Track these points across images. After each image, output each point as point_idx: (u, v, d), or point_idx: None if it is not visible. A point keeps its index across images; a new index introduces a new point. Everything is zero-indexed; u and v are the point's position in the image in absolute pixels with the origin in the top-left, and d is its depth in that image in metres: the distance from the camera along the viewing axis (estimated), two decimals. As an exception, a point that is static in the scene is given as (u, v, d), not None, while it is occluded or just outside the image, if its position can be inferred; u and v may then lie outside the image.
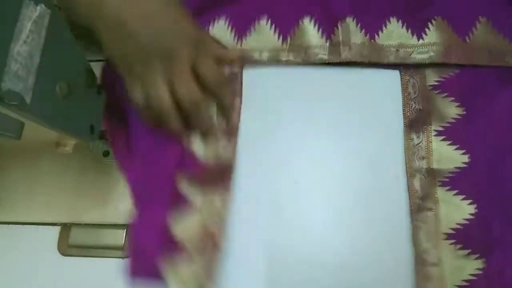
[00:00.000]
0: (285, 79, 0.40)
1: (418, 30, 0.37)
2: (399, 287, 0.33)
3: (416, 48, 0.36)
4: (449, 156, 0.34)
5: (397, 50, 0.37)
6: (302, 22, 0.39)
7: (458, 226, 0.32)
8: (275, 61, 0.38)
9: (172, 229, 0.33)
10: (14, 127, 0.25)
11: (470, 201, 0.33)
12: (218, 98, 0.37)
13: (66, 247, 0.38)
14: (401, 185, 0.35)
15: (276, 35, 0.39)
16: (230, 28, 0.39)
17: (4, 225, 0.39)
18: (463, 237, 0.32)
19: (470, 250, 0.32)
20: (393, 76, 0.38)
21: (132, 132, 0.38)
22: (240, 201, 0.36)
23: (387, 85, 0.38)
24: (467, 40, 0.36)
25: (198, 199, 0.34)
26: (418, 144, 0.35)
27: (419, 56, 0.36)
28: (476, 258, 0.31)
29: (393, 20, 0.37)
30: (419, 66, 0.37)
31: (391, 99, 0.38)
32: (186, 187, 0.34)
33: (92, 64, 0.33)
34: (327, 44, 0.38)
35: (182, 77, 0.34)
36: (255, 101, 0.40)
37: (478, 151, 0.34)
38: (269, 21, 0.39)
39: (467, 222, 0.32)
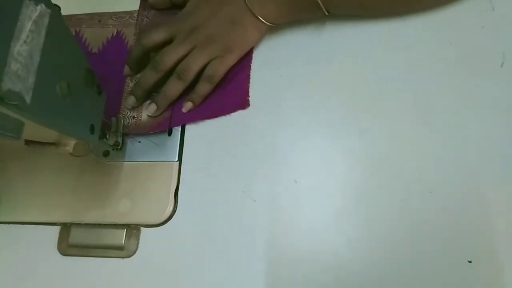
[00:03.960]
0: (285, 78, 0.40)
1: None
2: (399, 287, 0.33)
3: None
4: None
5: None
6: None
7: None
8: None
9: None
10: (14, 127, 0.25)
11: None
12: (198, 92, 0.40)
13: (66, 247, 0.38)
14: (401, 184, 0.35)
15: None
16: None
17: (4, 225, 0.39)
18: None
19: None
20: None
21: None
22: (240, 201, 0.36)
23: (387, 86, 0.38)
24: None
25: None
26: None
27: None
28: None
29: None
30: None
31: (393, 99, 0.38)
32: None
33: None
34: None
35: (200, 51, 0.38)
36: (257, 100, 0.40)
37: None
38: None
39: None
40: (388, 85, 0.38)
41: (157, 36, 0.40)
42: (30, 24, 0.24)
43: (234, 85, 0.40)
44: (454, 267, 0.33)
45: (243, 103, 0.40)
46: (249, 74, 0.41)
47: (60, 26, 0.27)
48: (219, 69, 0.39)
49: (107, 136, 0.37)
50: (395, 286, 0.33)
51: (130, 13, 0.46)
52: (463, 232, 0.33)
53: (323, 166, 0.37)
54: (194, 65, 0.39)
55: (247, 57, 0.41)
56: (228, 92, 0.40)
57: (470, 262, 0.33)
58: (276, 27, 0.41)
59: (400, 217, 0.34)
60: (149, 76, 0.40)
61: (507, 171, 0.34)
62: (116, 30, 0.46)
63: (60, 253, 0.38)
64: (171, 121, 0.40)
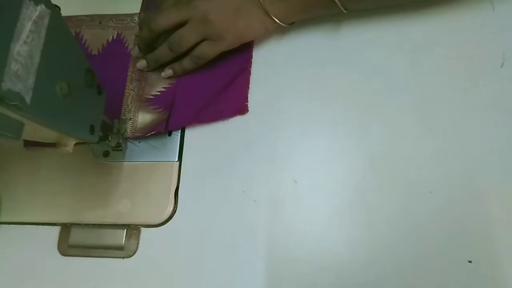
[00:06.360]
0: (285, 79, 0.40)
1: None
2: (399, 287, 0.33)
3: None
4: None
5: None
6: None
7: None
8: None
9: None
10: (14, 127, 0.24)
11: None
12: (182, 65, 0.41)
13: (66, 247, 0.38)
14: (401, 184, 0.35)
15: None
16: None
17: (4, 225, 0.39)
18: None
19: None
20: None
21: None
22: (240, 201, 0.36)
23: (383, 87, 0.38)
24: None
25: None
26: None
27: None
28: None
29: None
30: None
31: (393, 99, 0.38)
32: None
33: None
34: None
35: (193, 27, 0.38)
36: (256, 100, 0.40)
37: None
38: None
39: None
40: (388, 85, 0.38)
41: (167, 21, 0.39)
42: (30, 24, 0.24)
43: (233, 90, 0.40)
44: (454, 267, 0.33)
45: (242, 109, 0.39)
46: (248, 79, 0.41)
47: (60, 27, 0.27)
48: (207, 52, 0.39)
49: (109, 138, 0.37)
50: (395, 286, 0.33)
51: (131, 15, 0.46)
52: (463, 232, 0.33)
53: (323, 166, 0.37)
54: (185, 41, 0.39)
55: (247, 60, 0.41)
56: (226, 97, 0.40)
57: (470, 262, 0.33)
58: (283, 28, 0.40)
59: (400, 217, 0.34)
60: (166, 54, 0.41)
61: (507, 170, 0.34)
62: (116, 32, 0.46)
63: (60, 253, 0.38)
64: (167, 123, 0.40)
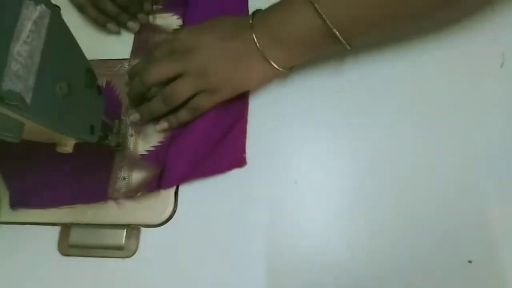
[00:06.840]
0: (285, 79, 0.40)
1: None
2: (399, 287, 0.33)
3: None
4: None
5: None
6: None
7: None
8: None
9: None
10: (14, 127, 0.24)
11: None
12: (178, 117, 0.39)
13: (66, 247, 0.38)
14: (401, 184, 0.35)
15: None
16: None
17: (4, 225, 0.39)
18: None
19: None
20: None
21: None
22: (240, 201, 0.37)
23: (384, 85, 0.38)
24: None
25: None
26: None
27: None
28: None
29: None
30: None
31: (393, 98, 0.38)
32: None
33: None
34: None
35: (188, 81, 0.36)
36: (257, 101, 0.40)
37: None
38: None
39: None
40: (388, 85, 0.38)
41: (161, 74, 0.37)
42: (31, 24, 0.24)
43: (229, 143, 0.38)
44: (454, 267, 0.33)
45: (240, 162, 0.38)
46: (245, 128, 0.39)
47: (60, 27, 0.27)
48: (204, 104, 0.38)
49: (109, 138, 0.37)
50: (395, 286, 0.33)
51: (120, 61, 0.43)
52: (463, 232, 0.33)
53: (323, 166, 0.37)
54: (180, 96, 0.37)
55: (243, 107, 0.39)
56: (223, 150, 0.38)
57: (470, 262, 0.33)
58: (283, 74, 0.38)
59: (400, 218, 0.34)
60: (160, 108, 0.38)
61: (507, 171, 0.35)
62: (105, 80, 0.43)
63: (60, 253, 0.37)
64: (161, 181, 0.37)
